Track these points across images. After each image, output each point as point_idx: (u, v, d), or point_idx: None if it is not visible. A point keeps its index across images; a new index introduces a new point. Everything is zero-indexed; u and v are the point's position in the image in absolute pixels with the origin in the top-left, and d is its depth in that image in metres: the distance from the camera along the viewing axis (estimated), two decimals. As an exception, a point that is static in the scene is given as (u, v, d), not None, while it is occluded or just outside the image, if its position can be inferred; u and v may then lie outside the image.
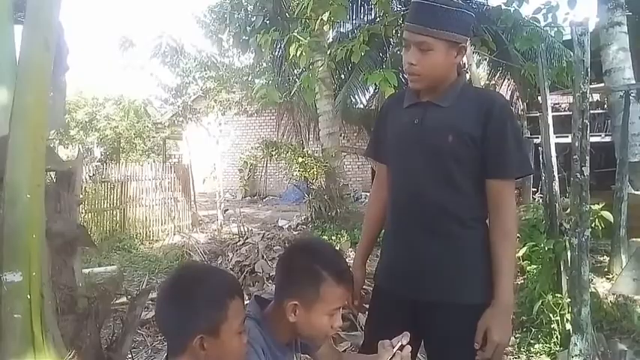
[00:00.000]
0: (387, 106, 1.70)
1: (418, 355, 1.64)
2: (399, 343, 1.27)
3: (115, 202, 7.98)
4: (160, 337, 3.43)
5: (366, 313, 1.74)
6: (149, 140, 18.14)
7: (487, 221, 1.52)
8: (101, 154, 17.49)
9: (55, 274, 1.67)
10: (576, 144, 2.55)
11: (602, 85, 6.33)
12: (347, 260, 1.47)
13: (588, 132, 2.57)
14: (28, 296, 1.40)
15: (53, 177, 1.88)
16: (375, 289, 1.68)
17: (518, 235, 3.87)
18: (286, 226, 8.37)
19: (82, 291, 1.80)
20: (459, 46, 1.40)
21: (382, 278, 1.64)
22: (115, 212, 7.94)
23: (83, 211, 7.18)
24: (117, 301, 2.96)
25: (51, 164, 1.73)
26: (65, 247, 1.73)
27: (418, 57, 1.39)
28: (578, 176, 2.53)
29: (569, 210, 3.04)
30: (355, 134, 13.74)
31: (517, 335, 3.41)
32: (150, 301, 3.42)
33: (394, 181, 1.58)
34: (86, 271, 4.42)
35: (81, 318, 1.73)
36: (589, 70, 2.55)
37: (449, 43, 1.38)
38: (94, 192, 7.63)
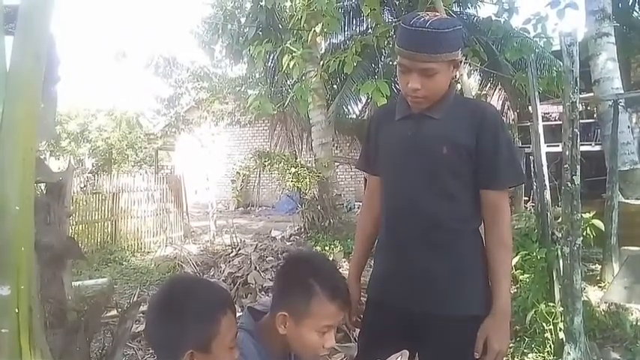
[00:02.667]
0: (377, 117, 1.69)
1: None
2: None
3: (106, 213, 7.92)
4: (151, 351, 3.39)
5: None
6: (141, 151, 18.11)
7: (481, 230, 1.52)
8: (93, 166, 17.40)
9: (44, 288, 1.65)
10: (567, 153, 2.57)
11: (592, 94, 6.40)
12: (341, 271, 1.46)
13: (578, 141, 2.60)
14: (16, 310, 1.37)
15: (43, 189, 1.86)
16: (368, 301, 1.66)
17: (511, 244, 3.90)
18: (279, 236, 8.33)
19: (71, 304, 1.78)
20: (457, 61, 1.42)
21: (376, 290, 1.62)
22: (106, 224, 7.88)
23: (74, 222, 7.11)
24: (107, 314, 2.92)
25: (41, 176, 1.71)
26: (54, 260, 1.71)
27: (423, 81, 1.39)
28: (569, 185, 2.55)
29: (560, 219, 3.05)
30: (348, 144, 13.78)
31: (511, 345, 3.40)
32: (141, 314, 3.38)
33: (388, 192, 1.57)
34: (77, 284, 4.38)
35: (70, 332, 1.70)
36: (578, 79, 2.59)
37: (451, 62, 1.40)
38: (85, 203, 7.57)
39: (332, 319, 1.28)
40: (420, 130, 1.47)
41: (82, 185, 7.67)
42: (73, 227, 7.05)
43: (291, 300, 1.26)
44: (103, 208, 7.88)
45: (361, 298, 1.73)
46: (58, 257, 1.73)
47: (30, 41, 1.47)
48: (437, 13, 1.44)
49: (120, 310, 2.50)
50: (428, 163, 1.44)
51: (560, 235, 2.89)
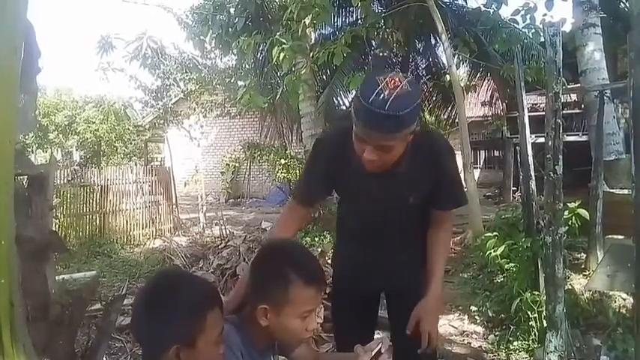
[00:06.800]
0: (326, 151, 1.64)
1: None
2: (378, 347, 1.27)
3: (94, 206, 7.85)
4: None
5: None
6: (130, 143, 17.95)
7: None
8: (81, 158, 17.23)
9: (26, 281, 1.63)
10: (549, 143, 2.59)
11: (578, 85, 6.44)
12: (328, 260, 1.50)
13: (561, 131, 2.61)
14: (-3, 304, 1.36)
15: (24, 182, 1.84)
16: (336, 293, 1.86)
17: (496, 233, 3.98)
18: (269, 228, 8.33)
19: (55, 298, 1.76)
20: (415, 129, 1.40)
21: (343, 279, 1.84)
22: (94, 216, 7.82)
23: (62, 215, 7.06)
24: (93, 308, 2.91)
25: (21, 169, 1.69)
26: (37, 254, 1.69)
27: (379, 154, 1.40)
28: (552, 175, 2.58)
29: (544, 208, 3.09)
30: (338, 135, 13.74)
31: (496, 333, 3.46)
32: (130, 307, 3.37)
33: (349, 212, 1.79)
34: (66, 277, 4.36)
35: (54, 325, 1.69)
36: (562, 70, 2.60)
37: (409, 134, 1.39)
38: (73, 196, 7.50)
39: (311, 304, 1.28)
40: (386, 184, 1.56)
41: (70, 178, 7.58)
42: (61, 220, 7.00)
43: (269, 291, 1.26)
44: (91, 201, 7.81)
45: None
46: (40, 251, 1.71)
47: (5, 32, 1.44)
48: (397, 80, 1.30)
49: (104, 303, 2.49)
50: (396, 209, 1.63)
51: (544, 224, 2.92)
